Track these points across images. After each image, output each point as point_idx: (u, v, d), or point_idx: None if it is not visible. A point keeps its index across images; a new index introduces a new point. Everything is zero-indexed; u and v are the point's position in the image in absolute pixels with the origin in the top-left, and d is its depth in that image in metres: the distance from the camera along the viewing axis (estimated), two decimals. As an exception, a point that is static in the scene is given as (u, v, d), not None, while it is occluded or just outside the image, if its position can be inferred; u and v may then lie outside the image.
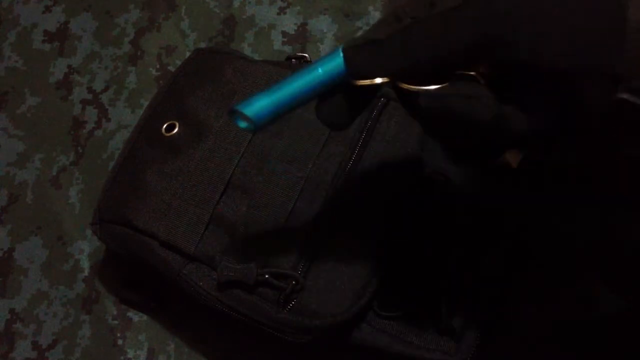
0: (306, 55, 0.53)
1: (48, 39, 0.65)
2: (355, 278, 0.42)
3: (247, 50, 0.60)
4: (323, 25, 0.60)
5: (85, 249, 0.56)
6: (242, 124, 0.29)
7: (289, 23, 0.61)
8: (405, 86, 0.27)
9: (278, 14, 0.61)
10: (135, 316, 0.53)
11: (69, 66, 0.63)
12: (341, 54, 0.27)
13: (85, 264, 0.56)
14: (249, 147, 0.46)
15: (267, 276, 0.42)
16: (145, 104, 0.58)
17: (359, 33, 0.59)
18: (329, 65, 0.28)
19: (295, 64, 0.51)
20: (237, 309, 0.43)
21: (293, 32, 0.61)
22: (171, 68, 0.61)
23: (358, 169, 0.44)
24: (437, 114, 0.27)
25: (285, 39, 0.60)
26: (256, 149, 0.46)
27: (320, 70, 0.28)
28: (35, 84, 0.63)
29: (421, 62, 0.26)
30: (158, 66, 0.61)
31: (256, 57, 0.59)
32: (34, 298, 0.55)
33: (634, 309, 0.40)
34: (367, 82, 0.27)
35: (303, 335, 0.42)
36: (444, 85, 0.27)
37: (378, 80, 0.27)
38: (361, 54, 0.27)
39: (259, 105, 0.28)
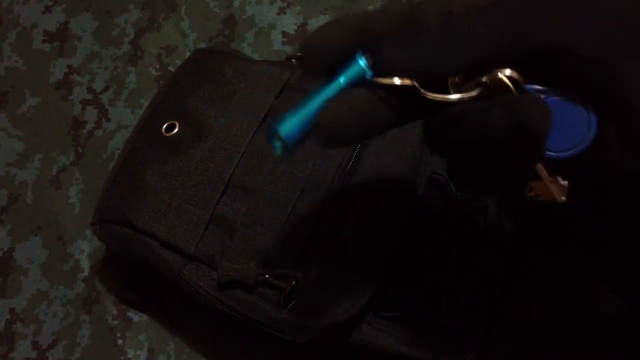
0: (306, 55, 0.53)
1: (48, 39, 0.65)
2: (355, 278, 0.42)
3: (247, 50, 0.60)
4: (323, 25, 0.60)
5: (85, 249, 0.56)
6: (278, 148, 0.28)
7: (289, 23, 0.61)
8: (431, 95, 0.25)
9: (278, 14, 0.61)
10: (135, 316, 0.53)
11: (69, 66, 0.63)
12: (361, 59, 0.26)
13: (85, 264, 0.56)
14: (249, 147, 0.46)
15: (267, 276, 0.42)
16: (145, 104, 0.58)
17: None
18: (351, 73, 0.26)
19: (295, 64, 0.51)
20: (237, 309, 0.43)
21: (293, 32, 0.61)
22: (171, 68, 0.61)
23: (358, 169, 0.44)
24: (471, 129, 0.25)
25: (285, 39, 0.60)
26: (256, 149, 0.46)
27: (342, 80, 0.27)
28: (35, 84, 0.63)
29: (468, 53, 0.24)
30: (158, 66, 0.61)
31: (256, 57, 0.59)
32: (34, 298, 0.55)
33: (634, 309, 0.40)
34: (387, 80, 0.25)
35: (303, 335, 0.42)
36: (473, 93, 0.25)
37: (397, 81, 0.25)
38: (389, 51, 0.25)
39: (288, 124, 0.27)
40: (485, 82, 0.25)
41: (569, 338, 0.44)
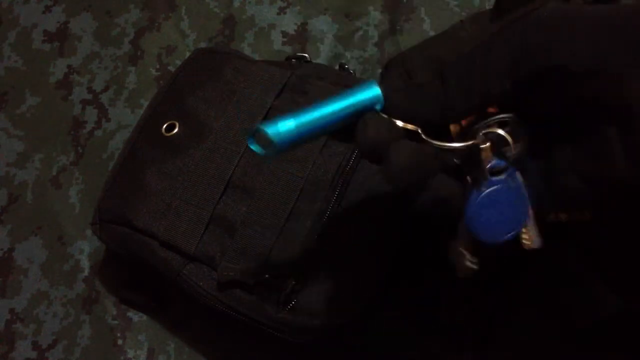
0: (306, 55, 0.53)
1: (48, 39, 0.65)
2: (355, 278, 0.42)
3: (247, 50, 0.60)
4: (323, 25, 0.60)
5: (85, 249, 0.56)
6: (256, 147, 0.27)
7: (289, 23, 0.61)
8: (431, 142, 0.27)
9: (278, 14, 0.61)
10: (135, 316, 0.53)
11: (69, 66, 0.63)
12: (376, 87, 0.27)
13: (85, 264, 0.56)
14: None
15: (267, 276, 0.42)
16: (145, 104, 0.58)
17: (359, 33, 0.60)
18: (363, 96, 0.27)
19: (295, 64, 0.51)
20: (237, 309, 0.43)
21: (293, 32, 0.61)
22: (171, 68, 0.61)
23: (358, 169, 0.44)
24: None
25: (285, 39, 0.60)
26: (256, 149, 0.46)
27: (352, 99, 0.27)
28: (35, 84, 0.63)
29: (460, 98, 0.26)
30: (158, 66, 0.61)
31: (256, 57, 0.59)
32: (34, 298, 0.55)
33: (634, 309, 0.40)
34: (392, 119, 0.27)
35: (303, 335, 0.42)
36: (470, 142, 0.27)
37: (400, 123, 0.27)
38: (401, 94, 0.27)
39: (284, 127, 0.26)
40: (480, 135, 0.27)
41: (569, 338, 0.44)
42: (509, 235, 0.27)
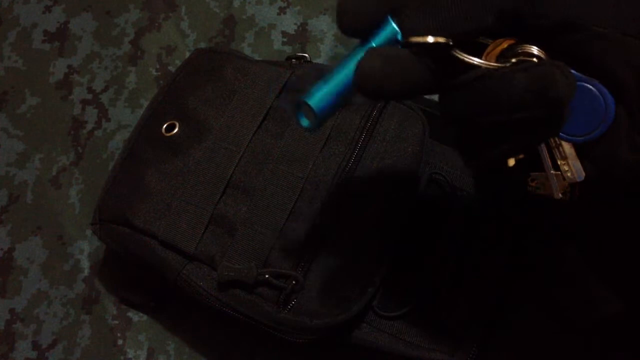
0: (306, 55, 0.53)
1: (48, 39, 0.65)
2: (355, 278, 0.42)
3: (247, 50, 0.60)
4: (323, 25, 0.60)
5: (85, 249, 0.56)
6: (305, 122, 0.27)
7: (289, 23, 0.61)
8: (461, 54, 0.26)
9: (278, 14, 0.61)
10: (135, 316, 0.53)
11: (69, 66, 0.63)
12: (393, 21, 0.26)
13: (85, 264, 0.56)
14: (249, 147, 0.46)
15: (267, 276, 0.42)
16: (145, 104, 0.58)
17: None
18: (382, 36, 0.26)
19: (295, 64, 0.51)
20: (237, 309, 0.43)
21: (293, 32, 0.61)
22: (171, 68, 0.61)
23: (358, 169, 0.44)
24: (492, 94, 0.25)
25: (285, 39, 0.60)
26: (256, 149, 0.46)
27: (374, 44, 0.26)
28: (35, 84, 0.63)
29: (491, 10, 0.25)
30: (158, 66, 0.61)
31: (256, 57, 0.59)
32: (34, 298, 0.55)
33: (633, 309, 0.40)
34: (420, 38, 0.25)
35: (303, 335, 0.42)
36: (504, 64, 0.26)
37: (430, 39, 0.25)
38: (418, 12, 0.26)
39: (320, 95, 0.26)
40: (513, 52, 0.26)
41: (568, 338, 0.44)
42: (588, 136, 0.26)
